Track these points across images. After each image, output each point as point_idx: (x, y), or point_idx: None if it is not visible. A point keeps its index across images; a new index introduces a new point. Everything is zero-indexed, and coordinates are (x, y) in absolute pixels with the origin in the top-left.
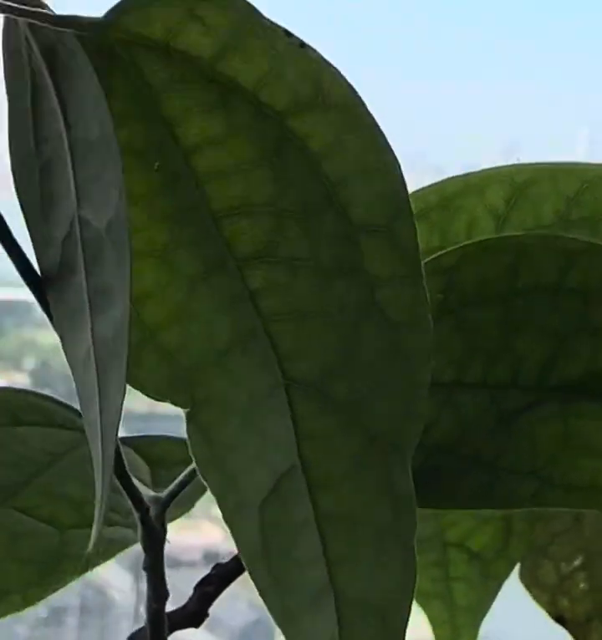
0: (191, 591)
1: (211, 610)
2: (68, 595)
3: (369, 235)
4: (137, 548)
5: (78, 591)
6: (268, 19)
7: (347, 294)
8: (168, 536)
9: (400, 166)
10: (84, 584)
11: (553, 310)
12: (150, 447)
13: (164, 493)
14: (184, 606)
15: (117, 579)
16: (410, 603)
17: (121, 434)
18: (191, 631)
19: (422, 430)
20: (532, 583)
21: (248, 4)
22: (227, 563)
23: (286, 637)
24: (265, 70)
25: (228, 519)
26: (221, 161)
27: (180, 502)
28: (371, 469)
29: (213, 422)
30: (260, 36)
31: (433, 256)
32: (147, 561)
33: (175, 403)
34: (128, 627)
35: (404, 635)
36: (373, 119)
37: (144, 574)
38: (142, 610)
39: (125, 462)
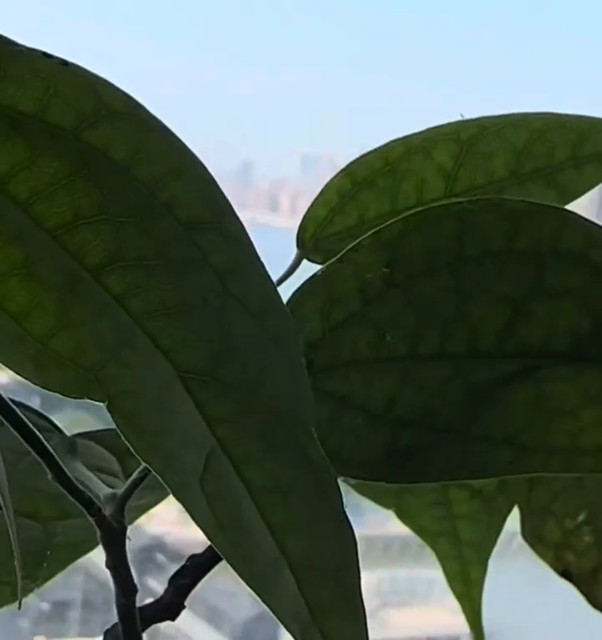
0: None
1: (215, 604)
2: (71, 589)
3: (202, 231)
4: (138, 543)
5: (80, 586)
6: (23, 45)
7: (203, 287)
8: (170, 530)
9: (202, 164)
10: (87, 578)
11: (504, 275)
12: (115, 439)
13: (120, 490)
14: (159, 599)
15: None
16: (356, 561)
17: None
18: (198, 625)
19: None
20: (536, 541)
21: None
22: (201, 554)
23: (262, 601)
24: (41, 92)
25: (178, 497)
26: (38, 182)
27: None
28: (284, 444)
29: (134, 412)
30: (22, 61)
31: (372, 231)
32: (109, 559)
33: (92, 400)
34: None
35: (359, 591)
36: (160, 122)
37: (147, 568)
38: (146, 602)
39: (63, 467)
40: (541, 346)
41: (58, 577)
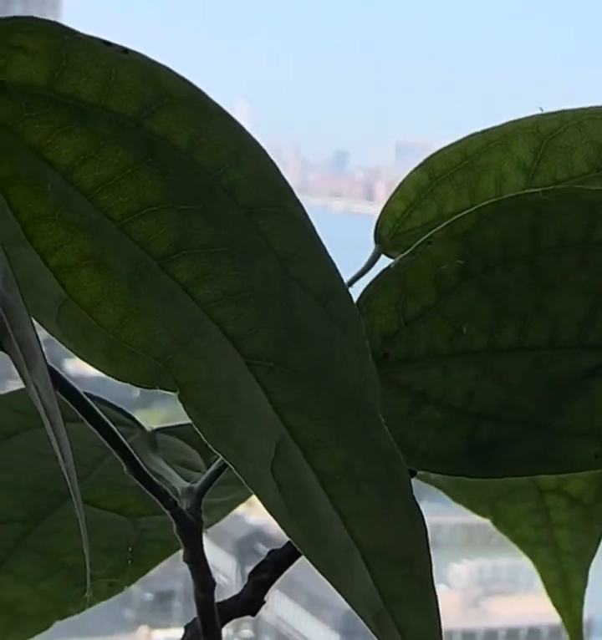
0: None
1: (316, 593)
2: (173, 579)
3: (261, 214)
4: (242, 533)
5: (184, 577)
6: (84, 33)
7: (266, 272)
8: (271, 520)
9: (262, 147)
10: None
11: (582, 266)
12: (195, 433)
13: (197, 483)
14: (238, 595)
15: (222, 563)
16: (427, 549)
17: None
18: (300, 615)
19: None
20: None
21: (58, 24)
22: (282, 548)
23: (335, 588)
24: (102, 82)
25: (251, 486)
26: (103, 172)
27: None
28: (352, 430)
29: (205, 401)
30: (83, 51)
31: (446, 222)
32: (186, 553)
33: (164, 389)
34: None
35: (431, 579)
36: (219, 106)
37: (248, 558)
38: None
39: (139, 460)
40: None
41: (162, 568)
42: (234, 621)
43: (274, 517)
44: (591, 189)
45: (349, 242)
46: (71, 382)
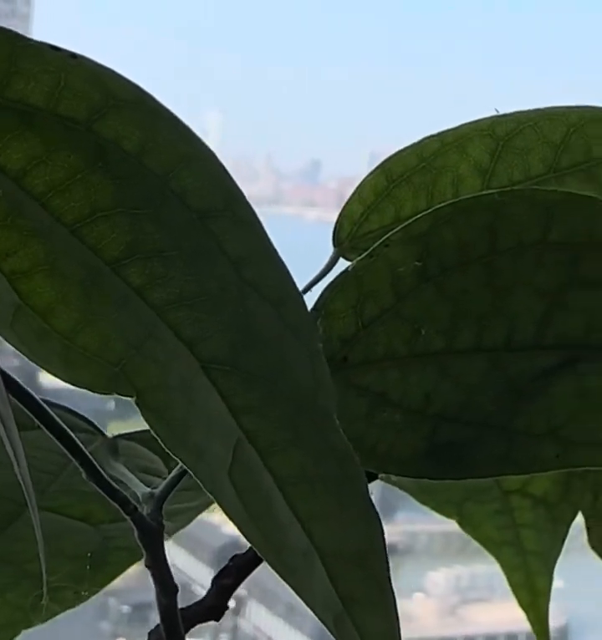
0: None
1: (293, 602)
2: (150, 591)
3: (213, 219)
4: (218, 543)
5: None
6: (33, 39)
7: (220, 276)
8: None
9: (212, 151)
10: None
11: (539, 266)
12: (155, 440)
13: (158, 488)
14: (202, 600)
15: (199, 574)
16: (383, 549)
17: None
18: (277, 623)
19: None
20: None
21: (8, 30)
22: (244, 554)
23: (294, 591)
24: (51, 86)
25: (209, 490)
26: (54, 177)
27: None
28: (308, 433)
29: (161, 405)
30: (32, 56)
31: (403, 224)
32: (147, 558)
33: (120, 394)
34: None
35: (388, 580)
36: (168, 110)
37: None
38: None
39: (98, 467)
40: (580, 337)
41: (139, 580)
42: (212, 631)
43: (233, 521)
44: (547, 189)
45: (323, 251)
46: (27, 389)
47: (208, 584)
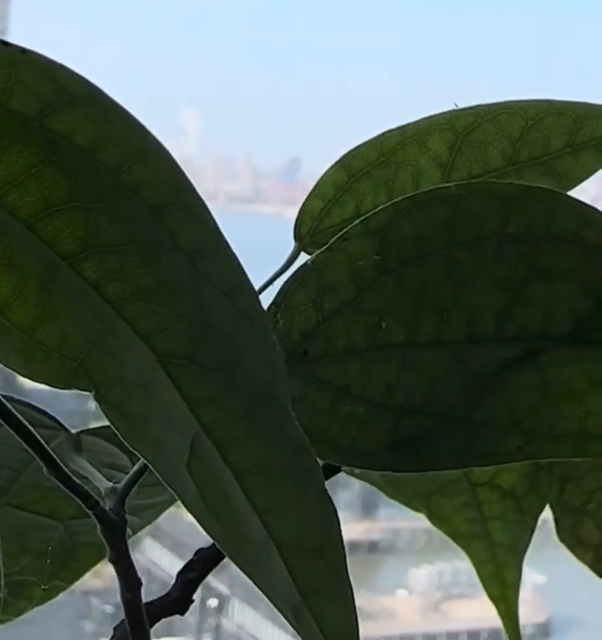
0: None
1: None
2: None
3: (167, 212)
4: (200, 541)
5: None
6: None
7: (175, 269)
8: None
9: (163, 145)
10: (149, 579)
11: (498, 259)
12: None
13: (121, 483)
14: (167, 594)
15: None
16: (341, 540)
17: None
18: (261, 622)
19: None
20: (574, 544)
21: None
22: (209, 547)
23: (254, 583)
24: (2, 82)
25: (169, 483)
26: (8, 173)
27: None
28: (264, 424)
29: (120, 400)
30: None
31: (361, 218)
32: (111, 553)
33: (79, 389)
34: (194, 620)
35: (345, 569)
36: (120, 106)
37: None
38: (208, 602)
39: (59, 462)
40: (540, 329)
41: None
42: (195, 630)
43: (192, 514)
44: (505, 182)
45: None
46: None
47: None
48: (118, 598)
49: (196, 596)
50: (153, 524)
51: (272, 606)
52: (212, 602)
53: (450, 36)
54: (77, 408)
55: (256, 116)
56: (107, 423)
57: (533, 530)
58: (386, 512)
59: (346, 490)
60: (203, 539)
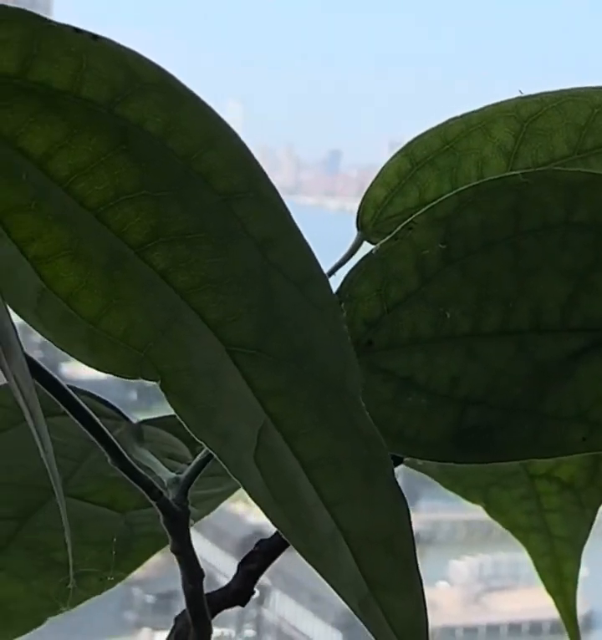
0: None
1: (318, 592)
2: (175, 581)
3: (237, 200)
4: (242, 533)
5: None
6: (54, 21)
7: (245, 258)
8: None
9: (235, 131)
10: None
11: (564, 247)
12: (180, 426)
13: (183, 474)
14: (228, 586)
15: (223, 564)
16: (410, 532)
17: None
18: (302, 613)
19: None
20: None
21: (29, 12)
22: (270, 539)
23: (320, 575)
24: (73, 69)
25: (235, 474)
26: (77, 161)
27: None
28: (334, 414)
29: (187, 389)
30: (54, 38)
31: (426, 207)
32: (173, 544)
33: (146, 379)
34: (237, 611)
35: (415, 562)
36: (191, 91)
37: None
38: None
39: (123, 452)
40: None
41: (163, 570)
42: (236, 621)
43: (259, 505)
44: (571, 170)
45: (344, 240)
46: (52, 373)
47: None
48: (159, 588)
49: None
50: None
51: (312, 597)
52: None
53: (496, 33)
54: (117, 398)
55: (297, 108)
56: (155, 414)
57: (592, 523)
58: (427, 504)
59: None
60: (245, 530)
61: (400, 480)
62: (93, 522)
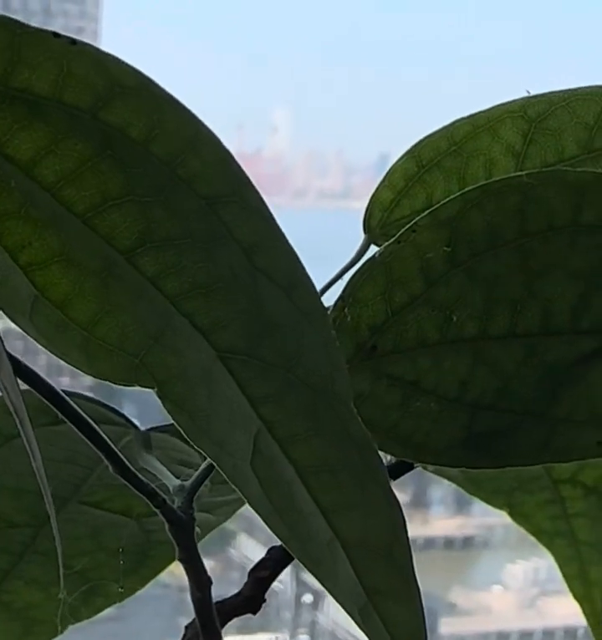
0: None
1: None
2: (228, 585)
3: (222, 205)
4: None
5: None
6: (34, 26)
7: (232, 264)
8: None
9: (217, 136)
10: (243, 574)
11: (572, 249)
12: None
13: (189, 481)
14: (238, 593)
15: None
16: (407, 539)
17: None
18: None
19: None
20: None
21: (8, 17)
22: (281, 545)
23: (320, 583)
24: (55, 74)
25: (233, 481)
26: (63, 167)
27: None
28: (326, 420)
29: (183, 396)
30: (34, 44)
31: (429, 209)
32: (179, 551)
33: (142, 386)
34: (289, 615)
35: (412, 568)
36: (172, 96)
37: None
38: (303, 598)
39: (124, 459)
40: None
41: (217, 575)
42: (290, 626)
43: (257, 512)
44: (577, 170)
45: None
46: (49, 381)
47: (286, 579)
48: (215, 593)
49: (292, 591)
50: (247, 519)
51: None
52: (307, 598)
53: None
54: None
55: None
56: None
57: None
58: (480, 508)
59: (439, 486)
60: None
61: (451, 487)
62: (109, 530)
